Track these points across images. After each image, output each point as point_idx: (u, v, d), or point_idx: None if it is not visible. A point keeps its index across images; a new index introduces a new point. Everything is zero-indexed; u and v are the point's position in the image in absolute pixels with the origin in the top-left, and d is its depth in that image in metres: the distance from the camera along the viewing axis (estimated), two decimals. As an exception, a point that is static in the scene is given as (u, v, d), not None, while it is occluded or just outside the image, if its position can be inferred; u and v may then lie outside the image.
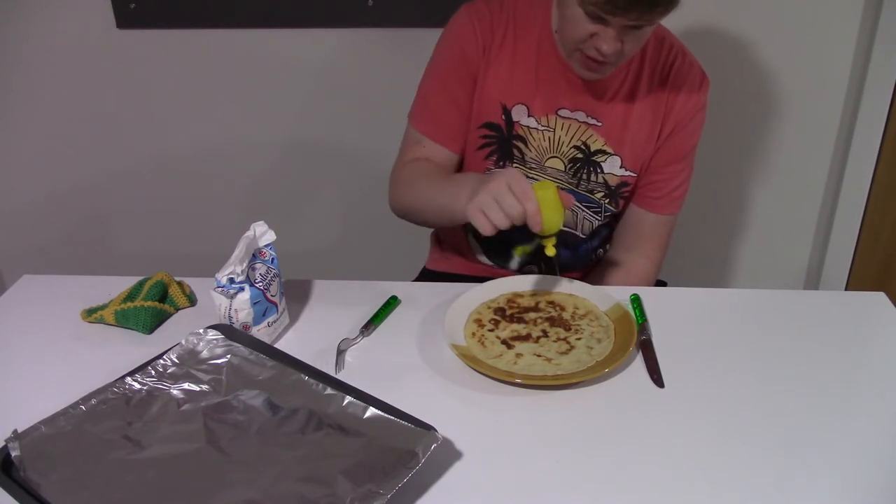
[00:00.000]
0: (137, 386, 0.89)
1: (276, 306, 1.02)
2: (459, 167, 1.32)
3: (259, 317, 1.00)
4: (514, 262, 1.27)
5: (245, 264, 0.99)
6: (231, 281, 0.97)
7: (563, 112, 1.21)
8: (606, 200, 1.27)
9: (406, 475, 0.73)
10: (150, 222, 2.07)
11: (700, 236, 1.96)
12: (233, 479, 0.75)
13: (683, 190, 1.28)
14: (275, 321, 1.02)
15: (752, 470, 0.81)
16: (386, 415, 0.82)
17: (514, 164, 1.25)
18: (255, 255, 1.03)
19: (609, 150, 1.22)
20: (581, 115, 1.21)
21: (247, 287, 0.98)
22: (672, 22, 1.69)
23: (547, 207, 0.97)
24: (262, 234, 1.04)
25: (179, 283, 1.13)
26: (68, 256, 2.10)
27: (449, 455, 0.82)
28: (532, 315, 1.06)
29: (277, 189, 2.00)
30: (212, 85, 1.87)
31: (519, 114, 1.22)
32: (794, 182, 1.89)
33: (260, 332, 1.00)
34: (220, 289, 0.98)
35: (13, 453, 0.77)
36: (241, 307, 0.98)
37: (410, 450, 0.77)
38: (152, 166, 1.98)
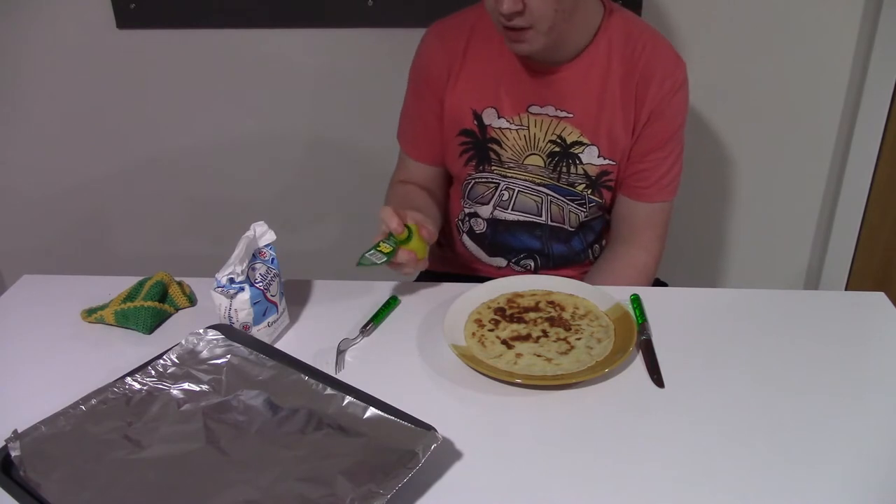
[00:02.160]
0: (137, 386, 0.89)
1: (276, 306, 1.02)
2: (446, 177, 1.37)
3: (259, 317, 1.00)
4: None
5: (245, 264, 0.99)
6: (231, 281, 0.97)
7: (533, 108, 1.22)
8: (589, 191, 1.27)
9: (406, 475, 0.73)
10: (151, 222, 2.07)
11: (700, 236, 1.96)
12: (233, 479, 0.75)
13: (673, 176, 1.26)
14: (275, 321, 1.02)
15: (753, 469, 0.81)
16: (386, 415, 0.82)
17: (493, 167, 1.27)
18: (255, 255, 1.04)
19: (585, 140, 1.22)
20: (551, 110, 1.22)
21: (247, 287, 0.98)
22: (670, 22, 1.69)
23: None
24: (262, 234, 1.04)
25: (179, 283, 1.13)
26: (68, 256, 2.10)
27: (449, 455, 0.82)
28: (532, 315, 1.06)
29: (277, 189, 2.00)
30: (212, 85, 1.87)
31: (489, 117, 1.24)
32: (794, 182, 1.89)
33: (260, 332, 1.00)
34: (220, 289, 0.98)
35: (13, 453, 0.77)
36: (241, 307, 0.98)
37: (410, 450, 0.77)
38: (152, 166, 1.98)
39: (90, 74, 1.86)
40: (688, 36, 1.71)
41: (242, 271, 0.98)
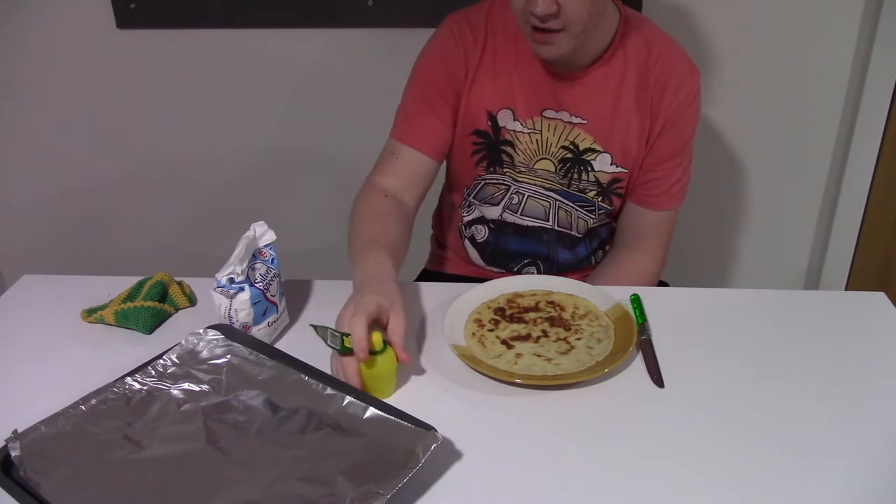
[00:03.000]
0: (137, 386, 0.89)
1: (276, 306, 1.02)
2: (431, 179, 1.26)
3: (259, 317, 1.00)
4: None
5: (245, 264, 0.99)
6: (231, 281, 0.97)
7: (547, 113, 1.21)
8: (599, 198, 1.27)
9: (406, 475, 0.73)
10: (151, 222, 2.07)
11: (700, 236, 1.96)
12: (233, 479, 0.75)
13: (683, 184, 1.27)
14: (275, 321, 1.02)
15: (753, 469, 0.81)
16: (386, 415, 0.82)
17: (504, 169, 1.26)
18: (255, 255, 1.04)
19: (598, 147, 1.22)
20: (565, 115, 1.21)
21: (247, 287, 0.98)
22: (671, 22, 1.69)
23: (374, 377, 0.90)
24: (262, 233, 1.04)
25: (179, 283, 1.13)
26: (68, 256, 2.10)
27: (449, 455, 0.82)
28: (532, 315, 1.06)
29: (278, 189, 2.00)
30: (212, 85, 1.87)
31: (504, 119, 1.22)
32: (794, 182, 1.89)
33: (260, 332, 1.00)
34: (220, 289, 0.98)
35: (13, 453, 0.77)
36: (241, 307, 0.98)
37: (410, 450, 0.77)
38: (152, 166, 1.98)
39: (90, 74, 1.87)
40: (687, 36, 1.71)
41: (242, 271, 0.98)
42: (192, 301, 1.12)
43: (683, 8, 1.70)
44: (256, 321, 1.00)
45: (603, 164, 1.23)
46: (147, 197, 2.03)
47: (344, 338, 0.88)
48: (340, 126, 1.90)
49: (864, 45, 1.70)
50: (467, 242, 1.36)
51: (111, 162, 1.98)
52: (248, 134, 1.93)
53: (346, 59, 1.81)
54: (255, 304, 0.98)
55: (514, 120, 1.22)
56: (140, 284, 1.11)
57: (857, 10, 1.67)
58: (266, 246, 1.05)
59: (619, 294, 1.09)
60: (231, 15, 1.77)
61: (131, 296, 1.08)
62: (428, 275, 1.47)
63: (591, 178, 1.24)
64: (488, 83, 1.21)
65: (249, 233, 1.02)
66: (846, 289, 1.98)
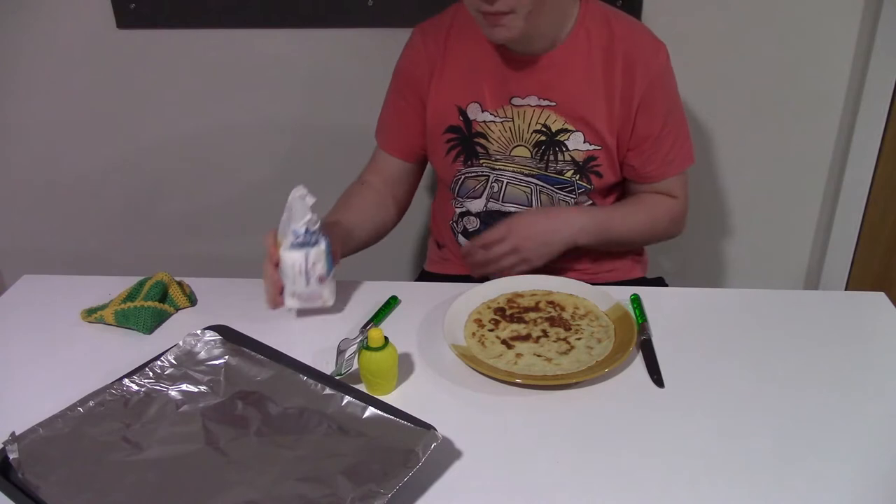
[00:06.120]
0: (135, 387, 0.89)
1: (334, 259, 1.02)
2: (415, 176, 1.39)
3: (329, 268, 0.98)
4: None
5: (308, 217, 0.97)
6: (307, 231, 0.95)
7: (515, 100, 1.23)
8: (577, 177, 1.27)
9: (406, 475, 0.73)
10: (151, 222, 2.07)
11: (700, 236, 1.96)
12: (232, 480, 0.75)
13: (679, 146, 1.27)
14: (333, 276, 1.01)
15: (752, 469, 0.81)
16: (385, 414, 0.82)
17: (481, 160, 1.28)
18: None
19: (570, 127, 1.23)
20: (533, 100, 1.22)
21: (321, 238, 0.96)
22: (671, 22, 1.69)
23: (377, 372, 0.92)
24: (306, 194, 1.03)
25: (179, 283, 1.13)
26: (68, 256, 2.10)
27: (449, 455, 0.82)
28: (532, 315, 1.06)
29: (277, 189, 1.98)
30: (212, 85, 1.87)
31: (474, 111, 1.25)
32: (794, 182, 1.89)
33: (327, 287, 1.00)
34: (298, 242, 0.95)
35: (11, 456, 0.77)
36: (319, 259, 0.96)
37: (410, 449, 0.77)
38: (152, 166, 1.98)
39: (90, 74, 1.86)
40: (688, 36, 1.71)
41: (314, 221, 0.96)
42: (192, 301, 1.12)
43: (683, 7, 1.69)
44: (328, 272, 0.98)
45: (577, 143, 1.24)
46: (147, 196, 2.03)
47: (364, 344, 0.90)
48: (340, 126, 1.90)
49: (864, 45, 1.70)
50: (460, 237, 1.37)
51: (111, 162, 1.98)
52: (246, 134, 1.93)
53: (346, 59, 1.81)
54: (328, 254, 0.97)
55: (483, 111, 1.25)
56: (140, 284, 1.11)
57: (857, 10, 1.67)
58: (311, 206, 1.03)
59: (619, 294, 1.09)
60: (231, 15, 1.76)
61: (131, 296, 1.08)
62: (428, 276, 1.47)
63: (567, 158, 1.26)
64: (455, 79, 1.25)
65: (297, 192, 1.00)
66: (846, 289, 1.97)
